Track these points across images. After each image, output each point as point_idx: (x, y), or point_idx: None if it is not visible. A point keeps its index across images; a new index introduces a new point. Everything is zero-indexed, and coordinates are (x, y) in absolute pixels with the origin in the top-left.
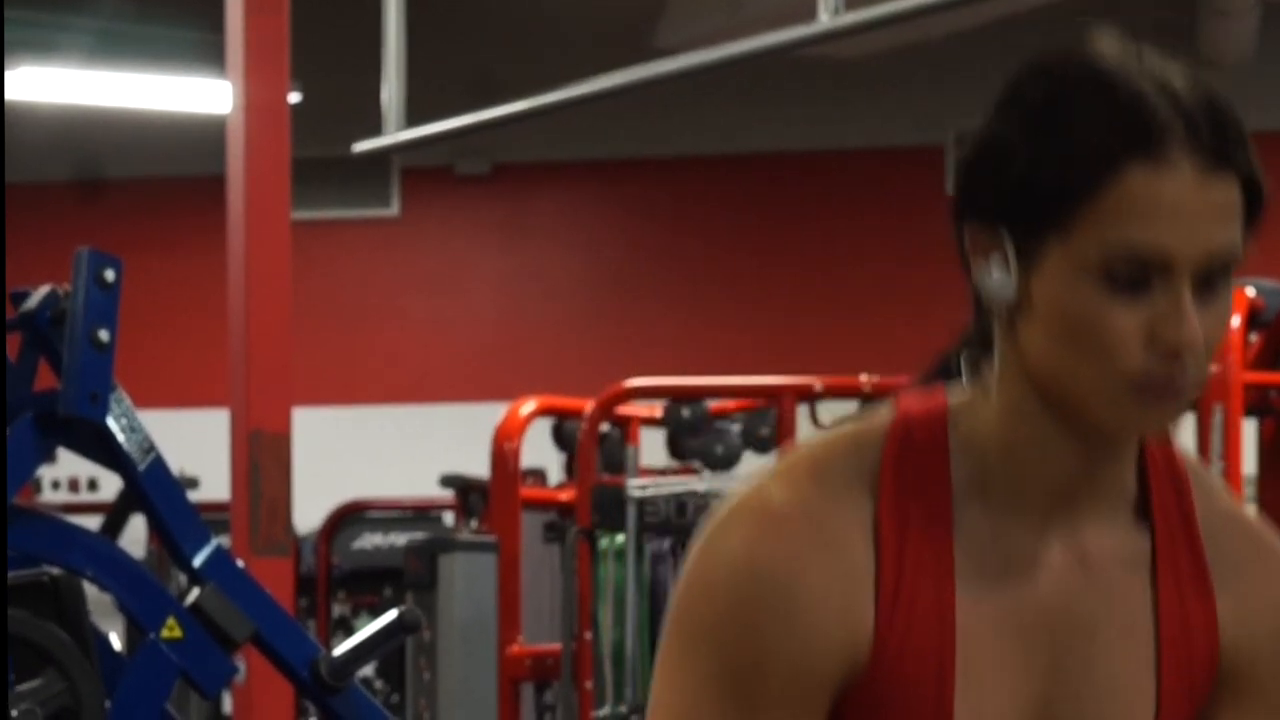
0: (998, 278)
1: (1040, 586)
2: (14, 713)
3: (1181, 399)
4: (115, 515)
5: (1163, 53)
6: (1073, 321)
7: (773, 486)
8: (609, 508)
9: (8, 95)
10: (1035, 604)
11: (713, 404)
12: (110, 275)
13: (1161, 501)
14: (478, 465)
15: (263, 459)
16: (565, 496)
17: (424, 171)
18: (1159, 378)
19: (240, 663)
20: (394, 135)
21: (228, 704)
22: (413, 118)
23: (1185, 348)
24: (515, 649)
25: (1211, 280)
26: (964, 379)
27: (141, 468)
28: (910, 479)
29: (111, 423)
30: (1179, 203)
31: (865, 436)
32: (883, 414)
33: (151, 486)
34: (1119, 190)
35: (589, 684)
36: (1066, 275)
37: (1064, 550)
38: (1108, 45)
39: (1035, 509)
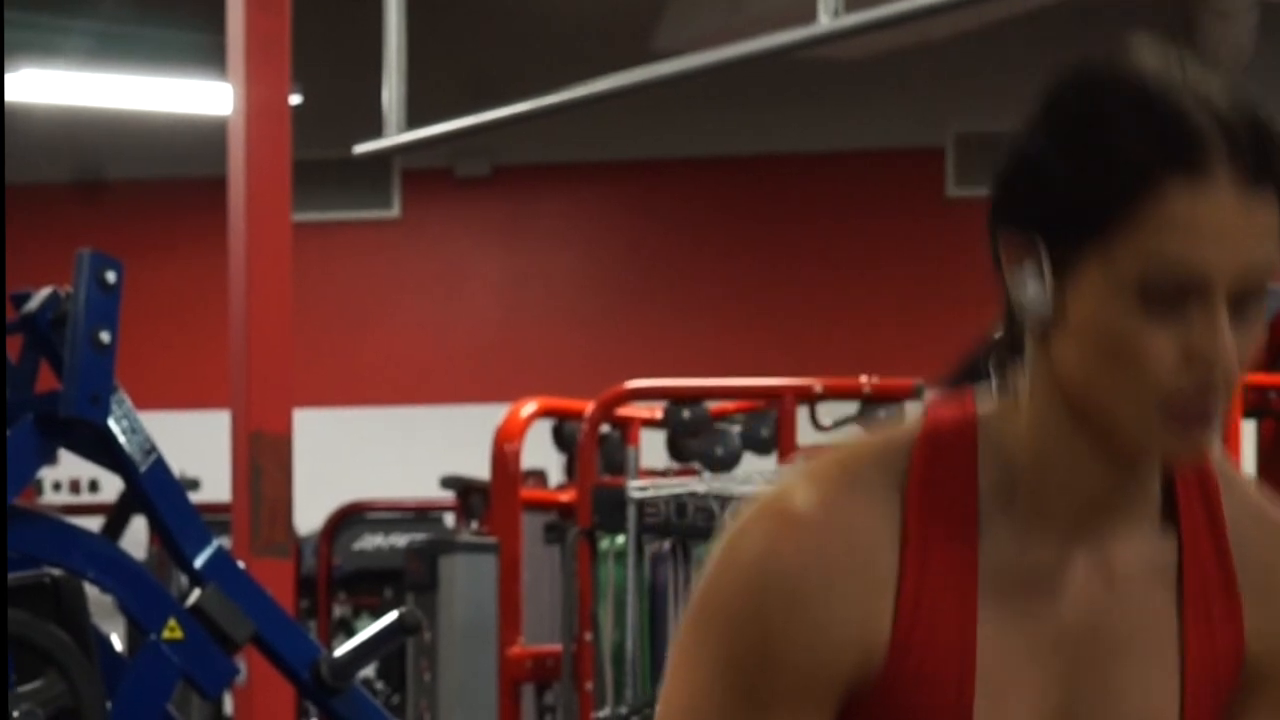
0: (1032, 288)
1: (1064, 603)
2: (15, 714)
3: (1213, 421)
4: (116, 516)
5: (1205, 63)
6: (1106, 337)
7: (799, 488)
8: (609, 509)
9: (8, 96)
10: (1059, 621)
11: (713, 405)
12: (111, 277)
13: (1189, 509)
14: (478, 466)
15: (264, 460)
16: (565, 498)
17: (424, 173)
18: (1191, 399)
19: (241, 664)
20: (394, 137)
21: (229, 705)
22: (413, 119)
23: (1219, 369)
24: (516, 650)
25: (1246, 299)
26: (992, 383)
27: (142, 469)
28: (938, 487)
29: (112, 424)
30: (1219, 221)
31: (894, 442)
32: (913, 420)
33: (152, 488)
34: (1158, 206)
35: (589, 685)
36: (1102, 290)
37: (1088, 566)
38: (1149, 54)
39: (1061, 522)
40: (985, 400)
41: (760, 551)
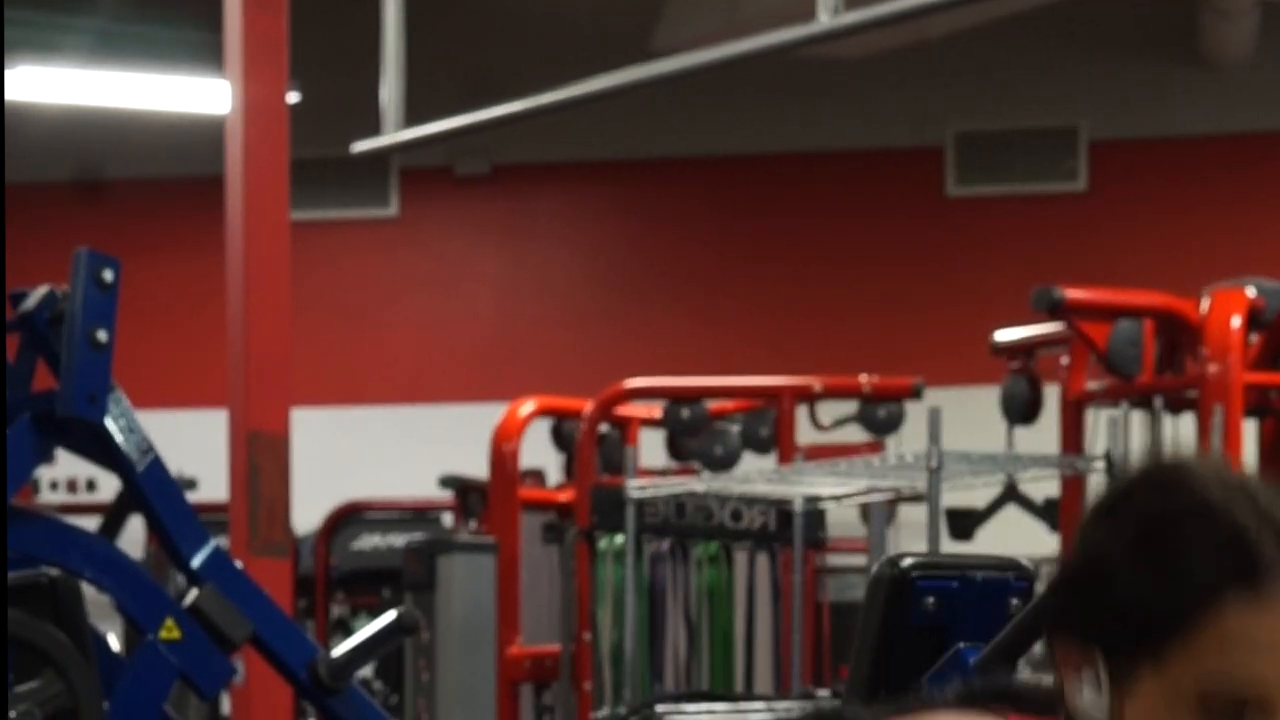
0: (1089, 698)
1: None
2: (13, 713)
3: None
4: (114, 516)
5: (1268, 484)
6: None
7: None
8: (608, 508)
9: (8, 95)
10: None
11: (712, 404)
12: (109, 276)
13: None
14: (477, 466)
15: (261, 460)
16: (564, 497)
17: (423, 172)
18: None
19: (239, 664)
20: (393, 135)
21: (226, 705)
22: (412, 118)
23: None
24: (514, 650)
25: None
26: None
27: (140, 468)
28: None
29: (110, 423)
30: (1278, 638)
31: None
32: None
33: (150, 487)
34: (1218, 624)
35: (588, 685)
36: (1160, 704)
37: None
38: (1212, 471)
39: None
40: None
41: None
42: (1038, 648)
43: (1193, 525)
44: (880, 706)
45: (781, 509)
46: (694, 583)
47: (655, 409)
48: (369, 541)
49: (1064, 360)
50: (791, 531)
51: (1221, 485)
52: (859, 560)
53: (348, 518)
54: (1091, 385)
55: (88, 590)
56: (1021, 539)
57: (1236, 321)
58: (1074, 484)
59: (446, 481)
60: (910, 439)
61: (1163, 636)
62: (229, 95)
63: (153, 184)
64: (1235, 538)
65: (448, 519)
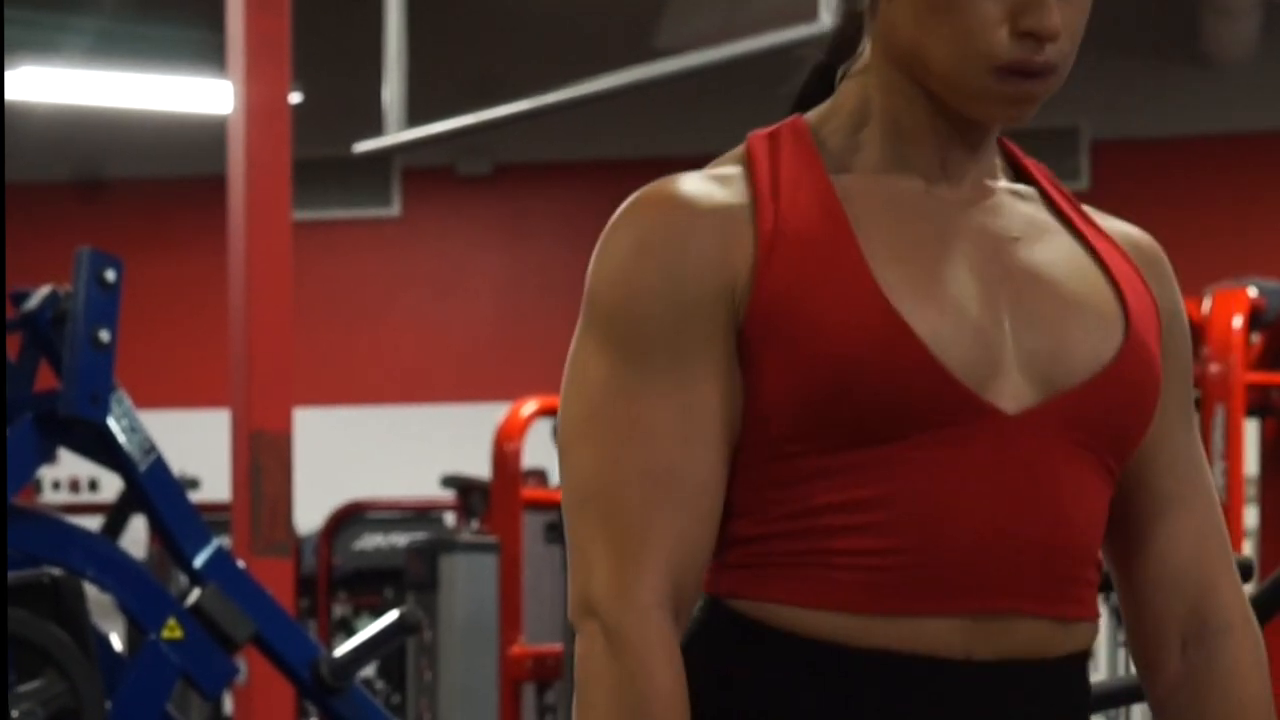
0: None
1: (953, 221)
2: (15, 713)
3: (1040, 84)
4: (116, 516)
5: None
6: (936, 3)
7: (653, 184)
8: None
9: (8, 95)
10: (955, 231)
11: None
12: (111, 275)
13: (1040, 177)
14: (479, 465)
15: (264, 459)
16: None
17: (425, 171)
18: (1019, 62)
19: (241, 663)
20: (395, 135)
21: (229, 705)
22: (414, 118)
23: (1046, 34)
24: (516, 649)
25: None
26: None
27: (142, 468)
28: (781, 159)
29: (112, 423)
30: None
31: (730, 153)
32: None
33: (152, 487)
34: None
35: None
36: None
37: (967, 201)
38: None
39: (918, 168)
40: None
41: (620, 230)
42: None
43: None
44: None
45: None
46: None
47: None
48: (371, 541)
49: None
50: None
51: None
52: None
53: (350, 517)
54: None
55: (90, 590)
56: None
57: (1238, 321)
58: None
59: (448, 481)
60: None
61: None
62: (231, 95)
63: (154, 184)
64: None
65: (450, 519)
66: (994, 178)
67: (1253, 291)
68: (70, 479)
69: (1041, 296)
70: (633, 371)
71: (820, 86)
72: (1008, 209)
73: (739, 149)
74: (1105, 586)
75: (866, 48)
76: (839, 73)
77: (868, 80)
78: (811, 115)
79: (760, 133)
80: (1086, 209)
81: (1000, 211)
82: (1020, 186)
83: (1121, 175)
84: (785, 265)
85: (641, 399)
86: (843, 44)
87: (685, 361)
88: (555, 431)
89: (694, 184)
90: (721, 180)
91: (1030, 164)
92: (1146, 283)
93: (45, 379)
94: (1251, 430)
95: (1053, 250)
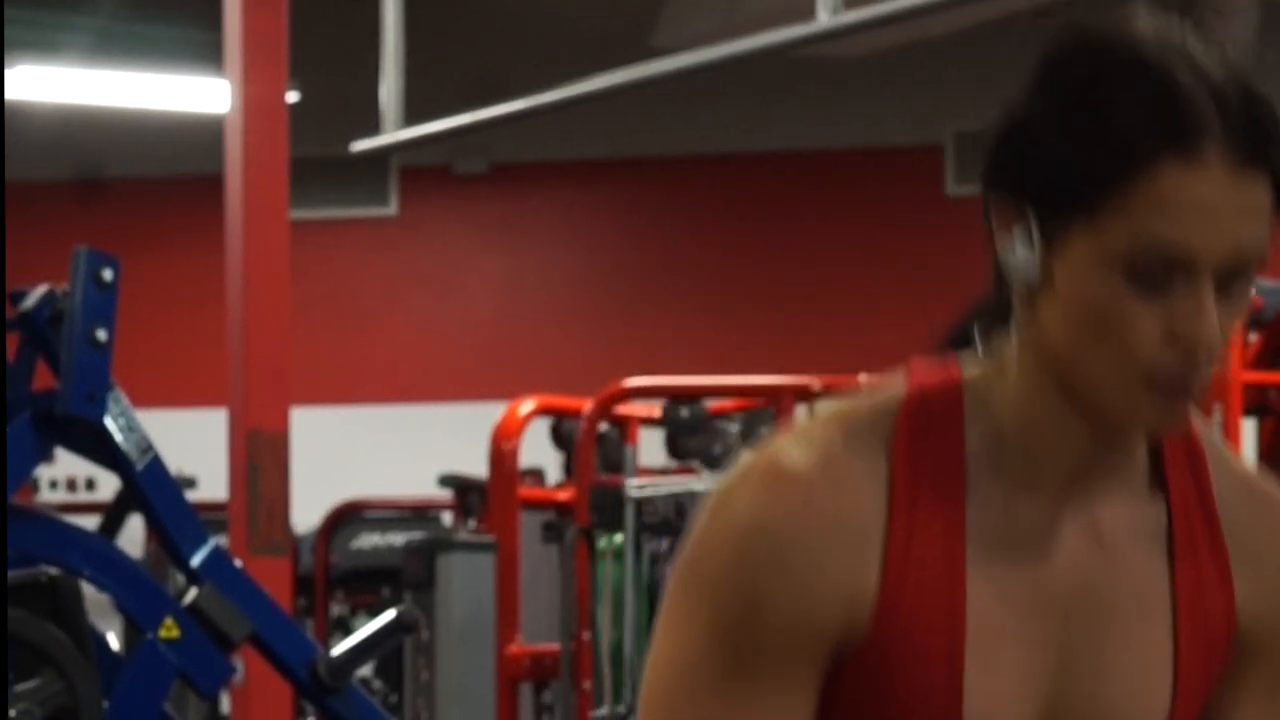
0: (1021, 254)
1: (1055, 564)
2: (12, 712)
3: (1192, 396)
4: (113, 515)
5: (1205, 37)
6: (1092, 309)
7: (785, 447)
8: (607, 507)
9: (8, 95)
10: (1049, 581)
11: (711, 404)
12: (108, 275)
13: (1177, 477)
14: (476, 465)
15: (261, 458)
16: (564, 496)
17: (422, 171)
18: (1173, 374)
19: (238, 663)
20: (392, 134)
21: (226, 704)
22: (411, 117)
23: (1203, 347)
24: (513, 649)
25: (1233, 278)
26: (979, 349)
27: (139, 467)
28: (925, 449)
29: (109, 422)
30: (1210, 202)
31: (880, 405)
32: (896, 383)
33: (149, 486)
34: (1150, 184)
35: (587, 684)
36: (1090, 262)
37: (1079, 528)
38: (1148, 26)
39: (1049, 486)
40: (970, 365)
41: (749, 510)
42: None
43: (1126, 83)
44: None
45: None
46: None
47: (654, 408)
48: (368, 540)
49: None
50: None
51: (1161, 46)
52: None
53: (347, 516)
54: None
55: (87, 589)
56: None
57: None
58: None
59: (446, 480)
60: None
61: (1095, 197)
62: (228, 94)
63: (152, 183)
64: (1170, 96)
65: (447, 518)
66: (1131, 485)
67: (1251, 291)
68: (67, 478)
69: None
70: (730, 670)
71: (968, 329)
72: (1118, 565)
73: (891, 403)
74: None
75: (1014, 331)
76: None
77: (1013, 366)
78: (966, 381)
79: (911, 400)
80: (1223, 467)
81: (1109, 573)
82: (1148, 511)
83: None
84: (896, 616)
85: (732, 705)
86: (996, 308)
87: (785, 677)
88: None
89: (835, 479)
90: (863, 476)
91: (1173, 472)
92: (1233, 579)
93: (43, 378)
94: (1249, 430)
95: (1137, 634)
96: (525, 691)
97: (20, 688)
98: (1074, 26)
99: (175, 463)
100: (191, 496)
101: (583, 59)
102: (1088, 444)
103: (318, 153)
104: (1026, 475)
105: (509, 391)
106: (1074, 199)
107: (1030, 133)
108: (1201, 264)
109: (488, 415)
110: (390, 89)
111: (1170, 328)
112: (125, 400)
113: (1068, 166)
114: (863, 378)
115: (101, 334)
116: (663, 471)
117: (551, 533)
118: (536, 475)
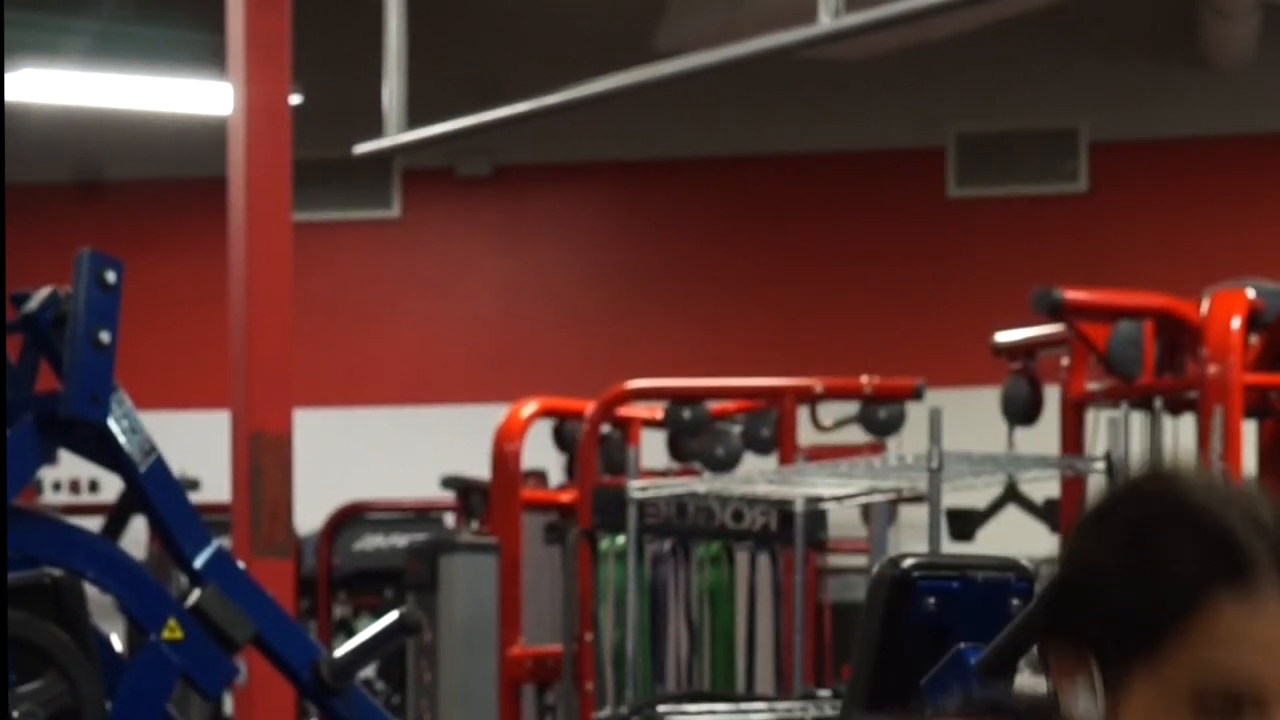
0: (1084, 703)
1: None
2: (15, 713)
3: None
4: (116, 517)
5: (1256, 488)
6: None
7: None
8: (610, 509)
9: (8, 96)
10: None
11: (713, 405)
12: (111, 277)
13: None
14: (478, 467)
15: (264, 460)
16: (566, 498)
17: (425, 173)
18: None
19: (241, 664)
20: (395, 137)
21: (229, 705)
22: (413, 119)
23: None
24: (516, 650)
25: None
26: None
27: (142, 469)
28: None
29: (112, 424)
30: (1269, 633)
31: None
32: None
33: (152, 488)
34: (1210, 623)
35: (590, 685)
36: (1156, 707)
37: None
38: (1197, 477)
39: None
40: None
41: None
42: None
43: (1179, 528)
44: (884, 718)
45: (783, 510)
46: (695, 583)
47: (657, 410)
48: (371, 542)
49: (1064, 361)
50: (793, 532)
51: (1206, 490)
52: (860, 561)
53: (350, 518)
54: (1092, 386)
55: (90, 591)
56: (1022, 539)
57: (1236, 322)
58: (1074, 485)
59: (448, 482)
60: (911, 440)
61: (1155, 639)
62: (231, 96)
63: (153, 185)
64: (1221, 538)
65: (450, 519)
66: None
67: (1251, 292)
68: (71, 480)
69: None
70: None
71: None
72: None
73: None
74: None
75: None
76: None
77: None
78: None
79: None
80: None
81: None
82: None
83: (1120, 177)
84: None
85: None
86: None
87: None
88: None
89: None
90: None
91: None
92: None
93: (46, 380)
94: (1250, 431)
95: None
96: (528, 693)
97: (23, 689)
98: (1121, 481)
99: (178, 464)
100: (194, 498)
101: (585, 61)
102: None
103: (320, 155)
104: None
105: (511, 393)
106: (1135, 644)
107: (1086, 582)
108: (1269, 696)
109: (490, 417)
110: (393, 91)
111: None
112: (128, 402)
113: (1128, 613)
114: (864, 378)
115: (104, 336)
116: (665, 473)
117: (554, 534)
118: (539, 477)
